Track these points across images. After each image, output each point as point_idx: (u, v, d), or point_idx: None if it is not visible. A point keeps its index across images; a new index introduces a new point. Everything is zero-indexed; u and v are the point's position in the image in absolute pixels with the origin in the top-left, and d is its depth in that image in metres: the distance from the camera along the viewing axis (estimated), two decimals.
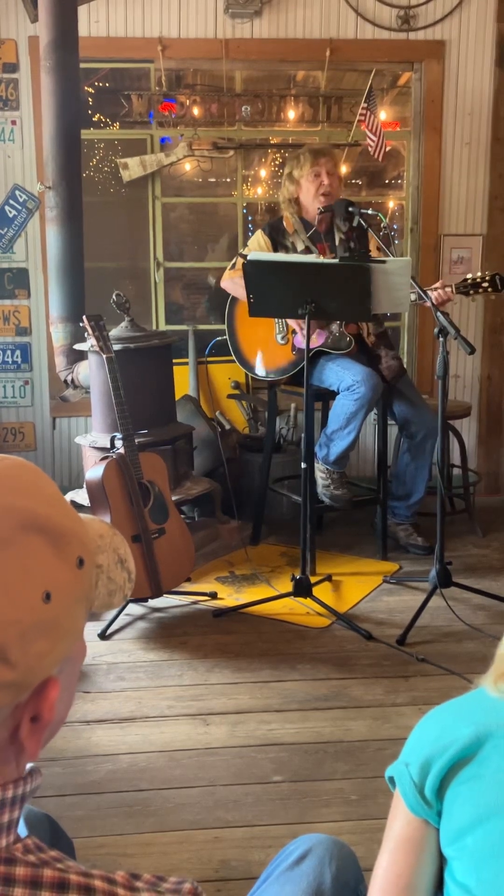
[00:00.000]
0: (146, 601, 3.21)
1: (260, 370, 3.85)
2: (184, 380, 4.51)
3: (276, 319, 3.76)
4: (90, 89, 4.62)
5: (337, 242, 3.75)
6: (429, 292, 3.34)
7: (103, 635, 3.09)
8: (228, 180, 4.79)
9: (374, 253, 3.74)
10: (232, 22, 4.35)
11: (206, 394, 4.58)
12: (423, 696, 2.63)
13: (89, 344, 3.35)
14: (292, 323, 3.71)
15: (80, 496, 3.55)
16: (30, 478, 0.70)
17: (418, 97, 4.55)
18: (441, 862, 1.02)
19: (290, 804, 2.13)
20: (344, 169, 4.38)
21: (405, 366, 4.73)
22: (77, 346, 3.71)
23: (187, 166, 4.63)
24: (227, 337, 3.94)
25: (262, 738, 2.42)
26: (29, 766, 0.71)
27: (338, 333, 3.66)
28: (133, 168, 4.46)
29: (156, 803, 2.14)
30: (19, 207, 4.42)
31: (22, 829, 0.69)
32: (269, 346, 3.83)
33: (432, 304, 3.11)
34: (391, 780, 1.07)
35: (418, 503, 3.87)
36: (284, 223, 3.78)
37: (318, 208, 3.66)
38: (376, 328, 3.79)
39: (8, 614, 0.63)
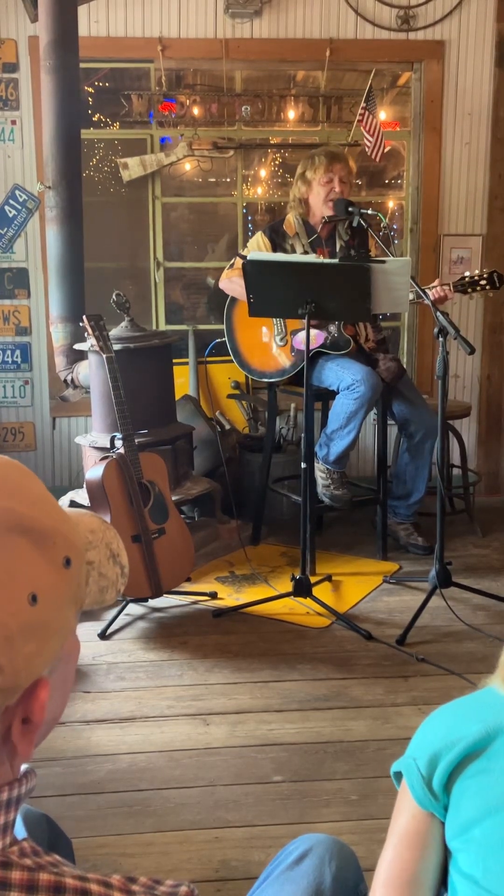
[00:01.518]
0: (146, 601, 3.22)
1: (259, 372, 3.85)
2: (184, 380, 4.51)
3: (275, 320, 3.76)
4: (90, 89, 4.62)
5: (338, 249, 3.75)
6: (427, 291, 3.34)
7: (103, 635, 3.09)
8: (228, 180, 4.79)
9: (374, 253, 3.73)
10: (232, 22, 4.35)
11: (206, 394, 4.58)
12: (423, 696, 2.63)
13: (89, 344, 3.35)
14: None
15: (80, 496, 3.55)
16: (15, 478, 0.69)
17: (418, 97, 4.55)
18: (445, 857, 1.03)
19: (290, 804, 2.13)
20: None
21: (405, 366, 4.74)
22: (77, 346, 3.71)
23: (187, 166, 4.63)
24: (225, 338, 3.94)
25: (262, 738, 2.42)
26: (24, 767, 0.70)
27: (336, 333, 3.66)
28: (133, 168, 4.46)
29: (156, 803, 2.14)
30: (19, 207, 4.43)
31: (21, 830, 0.69)
32: (268, 348, 3.83)
33: (431, 303, 3.11)
34: (396, 775, 1.07)
35: (419, 502, 3.87)
36: (285, 226, 3.77)
37: (324, 217, 3.64)
38: (376, 335, 3.79)
39: None
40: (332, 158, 3.67)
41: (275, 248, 3.73)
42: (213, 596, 3.40)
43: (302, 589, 3.17)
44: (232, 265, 3.79)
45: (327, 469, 3.62)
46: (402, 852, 1.02)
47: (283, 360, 3.78)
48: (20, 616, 0.64)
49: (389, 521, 3.89)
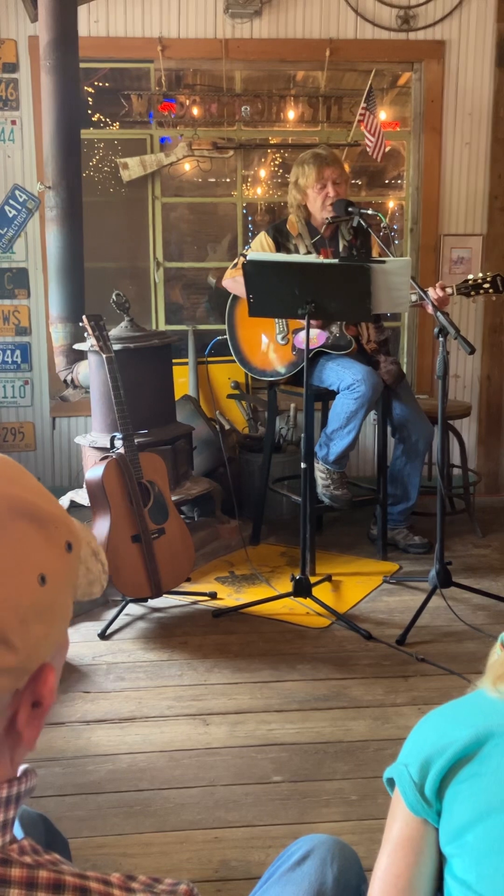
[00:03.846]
0: (146, 601, 3.21)
1: (260, 370, 3.85)
2: (184, 380, 4.51)
3: (277, 319, 3.76)
4: (90, 89, 4.62)
5: (340, 249, 3.74)
6: (428, 291, 3.34)
7: (103, 635, 3.09)
8: (228, 180, 4.79)
9: (375, 254, 3.73)
10: (232, 22, 4.35)
11: (206, 394, 4.58)
12: (423, 696, 2.63)
13: (89, 344, 3.34)
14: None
15: (80, 496, 3.55)
16: (12, 468, 0.72)
17: (418, 97, 4.55)
18: (440, 863, 1.02)
19: (290, 804, 2.13)
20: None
21: (406, 366, 4.74)
22: (77, 346, 3.71)
23: (187, 166, 4.63)
24: (227, 336, 3.94)
25: (262, 738, 2.42)
26: (23, 767, 0.70)
27: (338, 333, 3.66)
28: (133, 168, 4.46)
29: (156, 803, 2.13)
30: (19, 207, 4.42)
31: (18, 831, 0.69)
32: (269, 347, 3.83)
33: (432, 303, 3.11)
34: (389, 781, 1.07)
35: (411, 508, 3.87)
36: (288, 226, 3.77)
37: (326, 218, 3.64)
38: (378, 335, 3.78)
39: (8, 598, 0.63)
40: (321, 163, 3.64)
41: (278, 248, 3.72)
42: (213, 596, 3.40)
43: (302, 589, 3.16)
44: (235, 264, 3.79)
45: (327, 469, 3.62)
46: (397, 860, 1.02)
47: (285, 359, 3.78)
48: (31, 596, 0.65)
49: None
